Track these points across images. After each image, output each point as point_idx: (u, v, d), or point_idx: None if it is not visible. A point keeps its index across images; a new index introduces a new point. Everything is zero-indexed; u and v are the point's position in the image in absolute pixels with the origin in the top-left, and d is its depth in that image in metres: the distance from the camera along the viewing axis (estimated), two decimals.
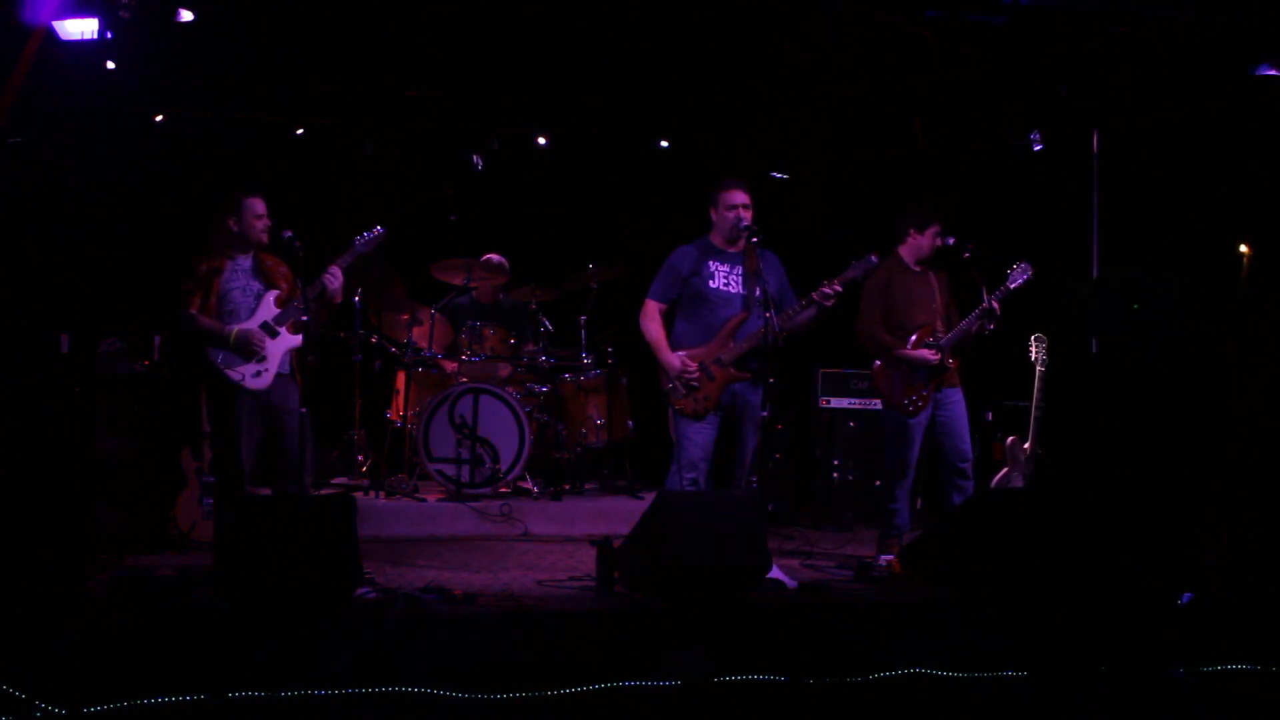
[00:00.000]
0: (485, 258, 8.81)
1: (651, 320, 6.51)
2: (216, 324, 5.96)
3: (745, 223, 6.39)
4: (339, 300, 6.24)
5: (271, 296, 6.08)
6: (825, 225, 9.59)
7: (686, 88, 9.32)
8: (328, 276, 6.09)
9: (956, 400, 6.80)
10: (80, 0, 6.08)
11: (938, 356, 6.66)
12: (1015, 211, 8.93)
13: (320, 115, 9.31)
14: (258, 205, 6.06)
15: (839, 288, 6.33)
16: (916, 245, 6.83)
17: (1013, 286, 6.79)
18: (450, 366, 8.62)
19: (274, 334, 6.02)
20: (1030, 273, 6.83)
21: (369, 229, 6.34)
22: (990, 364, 7.46)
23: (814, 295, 6.34)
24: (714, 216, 6.53)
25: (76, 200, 6.12)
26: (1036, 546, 5.62)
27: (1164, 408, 4.23)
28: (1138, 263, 4.42)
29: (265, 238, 6.08)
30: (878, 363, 6.84)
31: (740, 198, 6.44)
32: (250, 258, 6.14)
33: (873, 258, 6.48)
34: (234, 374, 5.90)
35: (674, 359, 6.39)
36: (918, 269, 6.86)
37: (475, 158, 9.38)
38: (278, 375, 6.03)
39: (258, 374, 5.96)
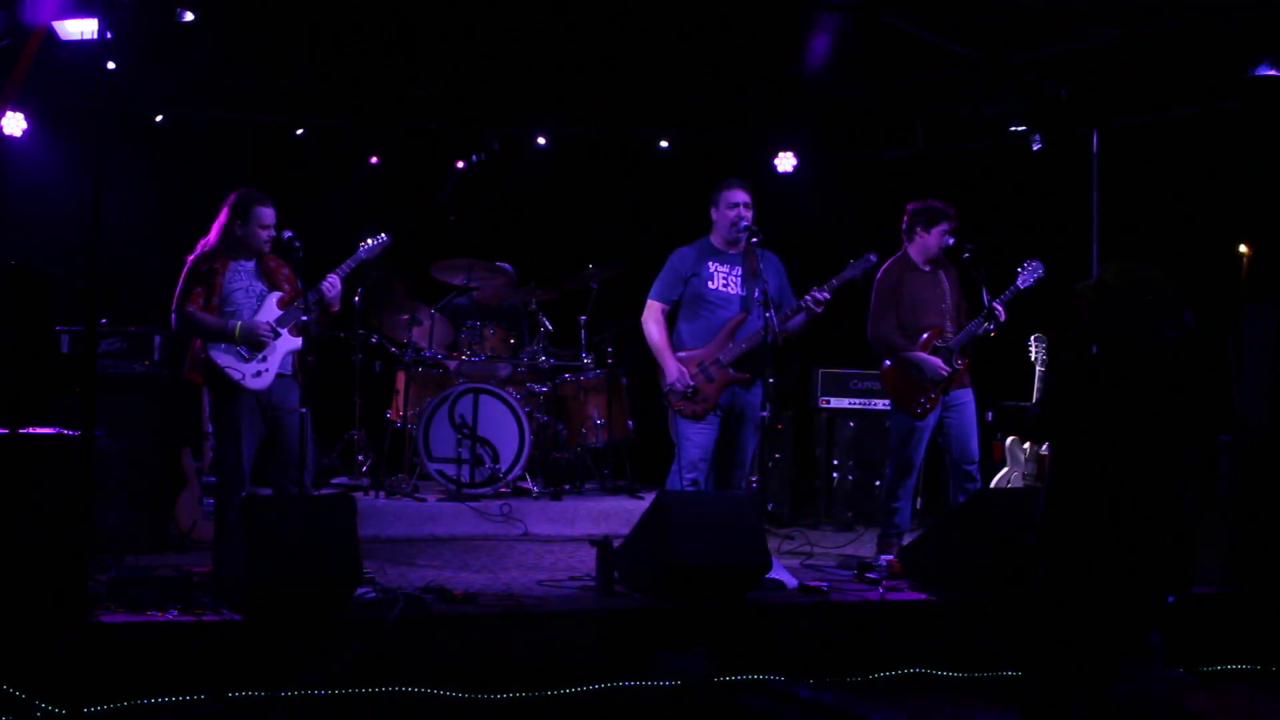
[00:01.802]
0: (498, 265, 8.80)
1: (654, 322, 6.50)
2: (218, 319, 5.92)
3: (745, 222, 6.39)
4: (337, 309, 6.21)
5: (274, 298, 6.06)
6: (825, 225, 9.59)
7: (687, 87, 9.32)
8: (326, 285, 6.03)
9: (966, 401, 6.77)
10: (80, 0, 6.07)
11: (948, 371, 6.63)
12: (1015, 211, 8.93)
13: (320, 115, 9.31)
14: (266, 215, 6.00)
15: (827, 295, 6.31)
16: (924, 244, 6.80)
17: (1022, 286, 6.75)
18: (451, 365, 8.61)
19: (276, 335, 6.00)
20: (1041, 271, 6.78)
21: (373, 234, 6.30)
22: (990, 364, 7.45)
23: (801, 302, 6.34)
24: (714, 216, 6.52)
25: (77, 200, 6.10)
26: (1037, 545, 5.61)
27: (1164, 407, 4.24)
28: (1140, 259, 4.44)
29: (267, 248, 6.04)
30: (887, 363, 6.83)
31: (741, 197, 6.43)
32: (254, 260, 6.11)
33: (871, 256, 6.47)
34: (234, 374, 5.89)
35: (673, 366, 6.38)
36: (927, 268, 6.83)
37: (448, 185, 9.43)
38: (278, 375, 6.02)
39: (258, 374, 5.94)
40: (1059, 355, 7.24)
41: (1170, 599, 4.29)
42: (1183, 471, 4.30)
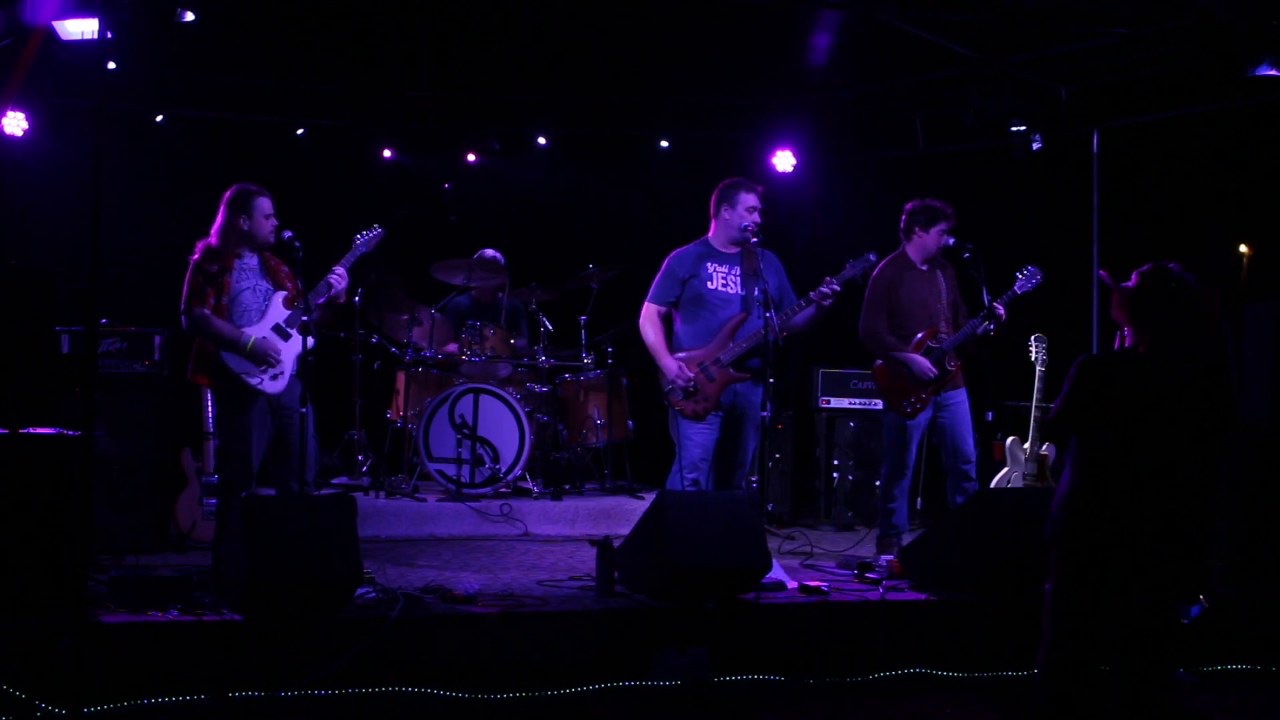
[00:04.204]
0: (479, 254, 8.80)
1: (651, 324, 6.50)
2: (232, 328, 5.90)
3: (755, 226, 6.38)
4: (344, 300, 6.23)
5: (280, 297, 6.06)
6: (825, 225, 9.59)
7: (687, 88, 9.32)
8: (334, 278, 6.06)
9: (960, 402, 6.78)
10: (80, 0, 6.07)
11: (935, 373, 6.64)
12: (1015, 211, 8.93)
13: (320, 115, 9.31)
14: (266, 204, 6.02)
15: (837, 287, 6.33)
16: (923, 243, 6.80)
17: (1020, 291, 6.76)
18: (452, 349, 8.58)
19: (286, 336, 6.00)
20: (1040, 277, 6.79)
21: (368, 228, 6.33)
22: (990, 364, 7.45)
23: (812, 295, 6.34)
24: (725, 215, 6.47)
25: (77, 200, 6.09)
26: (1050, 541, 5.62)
27: (1189, 410, 4.25)
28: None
29: (273, 237, 6.05)
30: (879, 362, 6.83)
31: (756, 201, 6.44)
32: (256, 257, 6.11)
33: (870, 256, 6.47)
34: (252, 379, 5.89)
35: (672, 364, 6.39)
36: (924, 267, 6.84)
37: (446, 184, 9.40)
38: (290, 376, 6.03)
39: (274, 377, 5.95)
40: (1065, 355, 7.24)
41: (1186, 614, 4.30)
42: (1200, 476, 4.31)
